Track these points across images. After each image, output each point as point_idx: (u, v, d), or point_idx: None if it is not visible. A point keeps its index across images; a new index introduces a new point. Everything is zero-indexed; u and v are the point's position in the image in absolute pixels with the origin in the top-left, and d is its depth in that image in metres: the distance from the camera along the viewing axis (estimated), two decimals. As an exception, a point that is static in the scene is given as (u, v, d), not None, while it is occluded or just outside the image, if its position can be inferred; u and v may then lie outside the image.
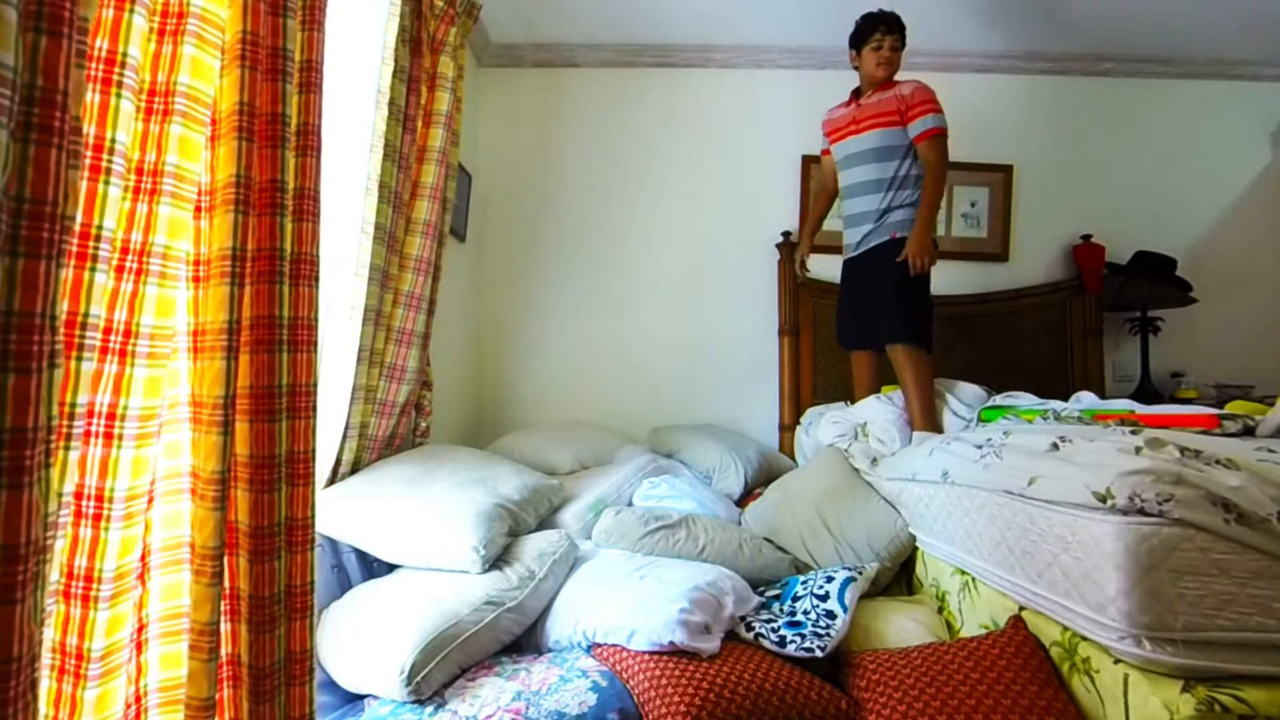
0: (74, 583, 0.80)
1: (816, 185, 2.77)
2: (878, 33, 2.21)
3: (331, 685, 1.29)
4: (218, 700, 0.94)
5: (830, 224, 3.04)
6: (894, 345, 2.16)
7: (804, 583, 1.62)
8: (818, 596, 1.53)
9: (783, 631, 1.40)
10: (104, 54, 0.79)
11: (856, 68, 2.33)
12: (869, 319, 2.26)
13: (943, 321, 2.91)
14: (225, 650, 0.97)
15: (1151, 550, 0.98)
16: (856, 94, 2.32)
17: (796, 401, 2.90)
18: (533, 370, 3.09)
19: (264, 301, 1.01)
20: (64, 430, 0.72)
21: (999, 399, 2.09)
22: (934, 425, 2.05)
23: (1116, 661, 1.05)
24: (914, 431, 2.06)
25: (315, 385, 1.09)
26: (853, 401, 2.45)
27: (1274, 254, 3.10)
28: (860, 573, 1.60)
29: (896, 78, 2.25)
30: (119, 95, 0.79)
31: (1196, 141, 3.12)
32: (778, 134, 3.08)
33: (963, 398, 2.17)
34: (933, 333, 2.22)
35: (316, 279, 1.11)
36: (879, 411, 2.20)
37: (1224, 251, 3.07)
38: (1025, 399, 2.05)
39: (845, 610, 1.46)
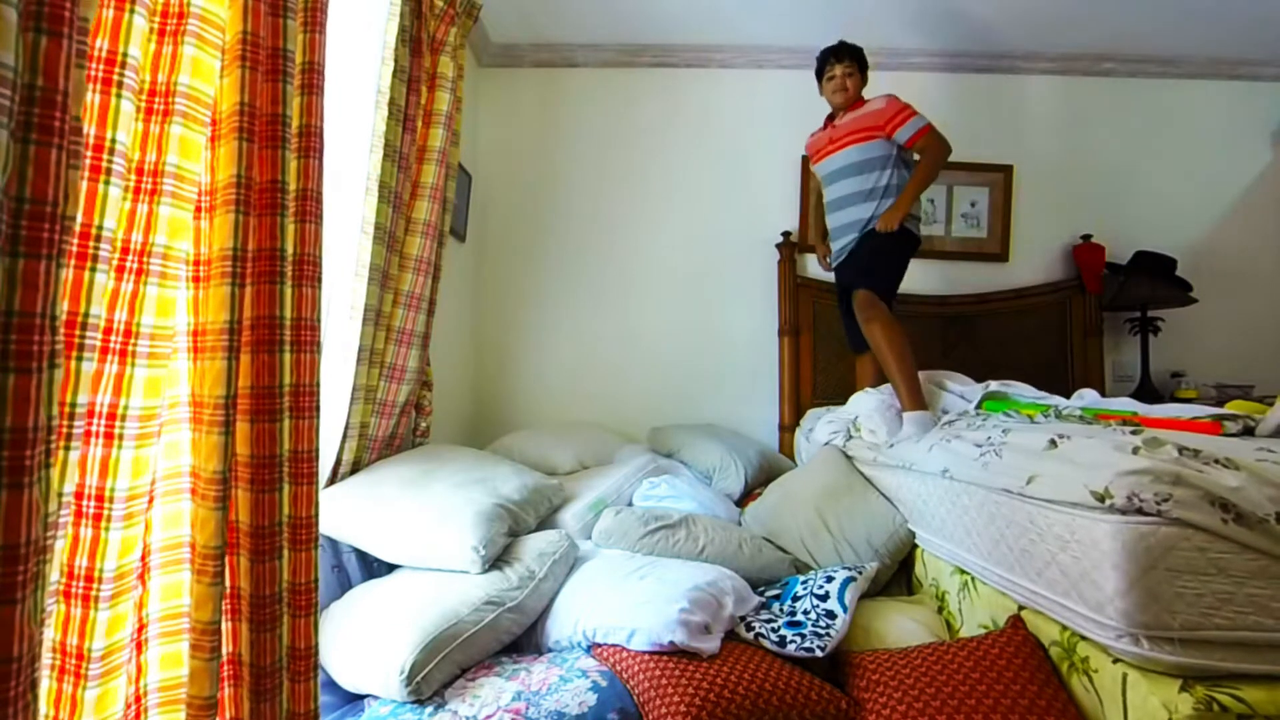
0: (74, 583, 0.80)
1: (817, 197, 2.78)
2: (828, 64, 2.36)
3: (331, 685, 1.29)
4: (218, 699, 0.94)
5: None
6: (864, 314, 2.16)
7: (804, 583, 1.62)
8: (818, 596, 1.53)
9: (783, 631, 1.40)
10: (104, 54, 0.79)
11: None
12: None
13: (943, 321, 2.93)
14: (226, 649, 0.97)
15: (1149, 550, 0.99)
16: (831, 117, 2.44)
17: (796, 402, 2.91)
18: (533, 370, 3.08)
19: (264, 302, 1.01)
20: (64, 430, 0.72)
21: (995, 385, 2.07)
22: (920, 403, 2.03)
23: (1115, 661, 1.05)
24: (904, 412, 2.04)
25: (318, 385, 1.09)
26: None
27: (1274, 254, 3.10)
28: (860, 573, 1.60)
29: (865, 95, 2.36)
30: (119, 95, 0.79)
31: (1196, 141, 3.12)
32: (778, 134, 3.08)
33: (963, 388, 2.16)
34: (894, 300, 2.27)
35: (319, 280, 1.11)
36: (865, 403, 2.21)
37: (1224, 251, 3.07)
38: (1024, 389, 2.04)
39: (845, 610, 1.46)
